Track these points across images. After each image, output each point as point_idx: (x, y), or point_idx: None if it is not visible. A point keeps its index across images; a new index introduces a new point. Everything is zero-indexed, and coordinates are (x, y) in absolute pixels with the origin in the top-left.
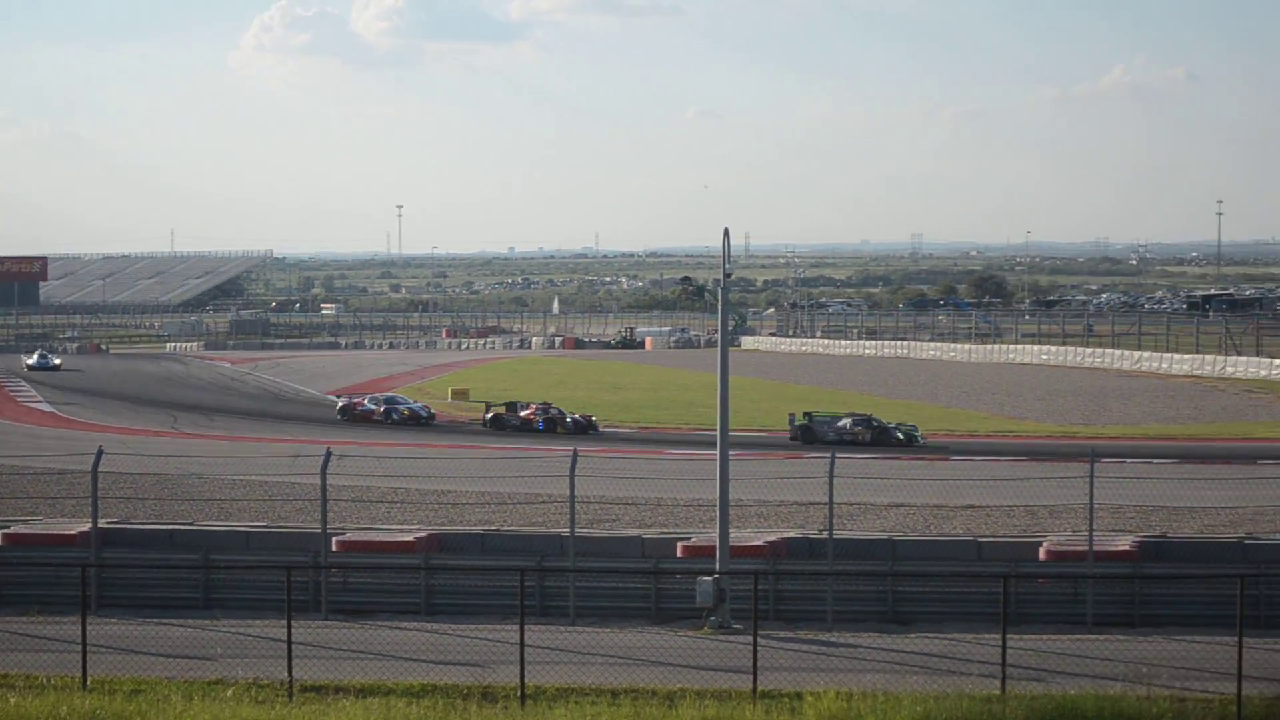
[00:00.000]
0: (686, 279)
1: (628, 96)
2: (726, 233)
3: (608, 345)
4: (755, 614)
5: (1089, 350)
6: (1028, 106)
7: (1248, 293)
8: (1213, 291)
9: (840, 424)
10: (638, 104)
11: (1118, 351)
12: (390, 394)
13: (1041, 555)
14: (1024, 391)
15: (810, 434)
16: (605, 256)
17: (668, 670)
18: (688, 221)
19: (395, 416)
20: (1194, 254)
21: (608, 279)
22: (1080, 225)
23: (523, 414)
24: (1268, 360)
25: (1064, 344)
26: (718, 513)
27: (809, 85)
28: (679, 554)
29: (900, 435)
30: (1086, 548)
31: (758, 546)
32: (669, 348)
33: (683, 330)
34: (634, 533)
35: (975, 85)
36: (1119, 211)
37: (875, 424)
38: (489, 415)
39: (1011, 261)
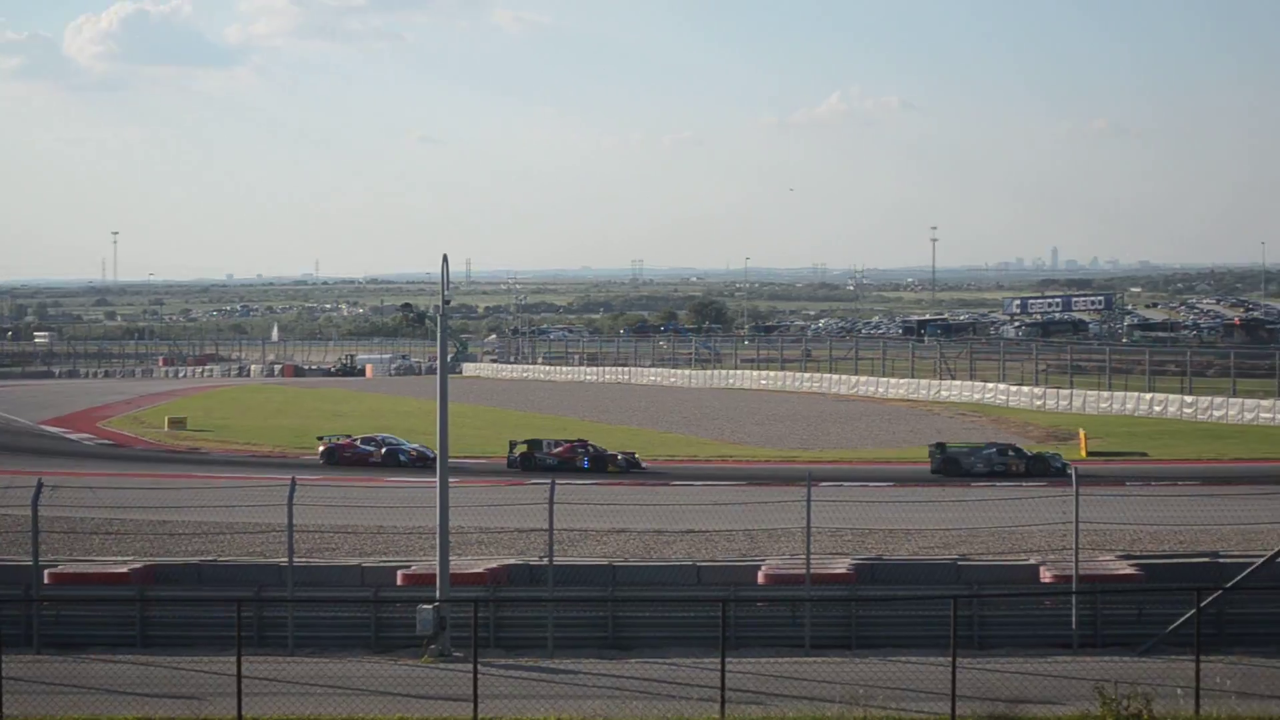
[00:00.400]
0: (407, 306)
1: (347, 121)
2: (445, 259)
3: (328, 373)
4: (475, 642)
5: (807, 375)
6: (746, 134)
7: (961, 318)
8: (928, 317)
9: (987, 453)
10: (357, 129)
11: (835, 376)
12: (386, 434)
13: (760, 579)
14: (743, 416)
15: (956, 466)
16: (325, 283)
17: (388, 700)
18: (409, 248)
19: (403, 458)
20: (910, 280)
21: (328, 306)
22: (799, 251)
23: (555, 451)
24: (980, 384)
25: (783, 369)
26: (438, 540)
27: (528, 112)
28: (399, 582)
29: (1059, 465)
30: (804, 571)
31: (478, 574)
32: (390, 375)
33: (404, 357)
34: (354, 561)
35: (694, 113)
36: (837, 238)
37: (1026, 454)
38: (515, 454)
39: (731, 287)
